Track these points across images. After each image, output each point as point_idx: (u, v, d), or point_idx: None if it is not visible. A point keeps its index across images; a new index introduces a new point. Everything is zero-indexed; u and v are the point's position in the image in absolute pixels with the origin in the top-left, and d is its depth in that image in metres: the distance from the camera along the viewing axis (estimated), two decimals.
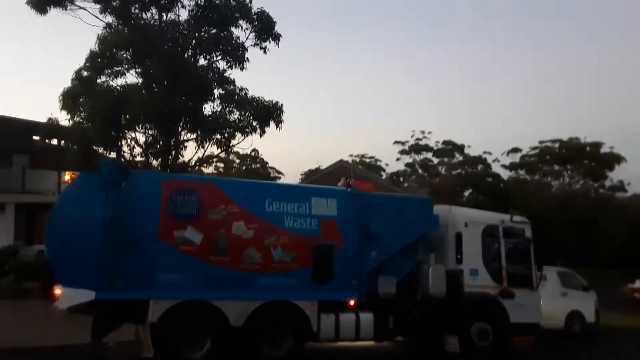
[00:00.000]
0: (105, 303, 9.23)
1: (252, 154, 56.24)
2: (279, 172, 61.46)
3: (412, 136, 59.69)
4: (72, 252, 9.09)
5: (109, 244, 9.17)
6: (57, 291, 9.08)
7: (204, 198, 9.94)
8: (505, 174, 57.22)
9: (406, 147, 59.79)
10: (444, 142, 59.23)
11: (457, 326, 11.27)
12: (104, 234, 9.15)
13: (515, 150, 56.33)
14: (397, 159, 60.42)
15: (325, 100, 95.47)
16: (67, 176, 10.51)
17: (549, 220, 39.09)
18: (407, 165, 60.39)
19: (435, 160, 60.58)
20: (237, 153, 54.44)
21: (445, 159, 60.16)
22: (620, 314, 20.50)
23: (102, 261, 9.12)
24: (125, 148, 18.55)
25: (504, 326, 11.58)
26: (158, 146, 18.66)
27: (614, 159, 51.70)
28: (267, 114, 18.32)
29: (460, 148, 58.98)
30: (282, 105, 18.46)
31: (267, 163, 61.44)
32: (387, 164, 62.14)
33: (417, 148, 59.86)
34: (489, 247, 11.97)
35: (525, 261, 12.28)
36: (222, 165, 56.95)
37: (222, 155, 25.99)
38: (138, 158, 18.74)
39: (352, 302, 10.62)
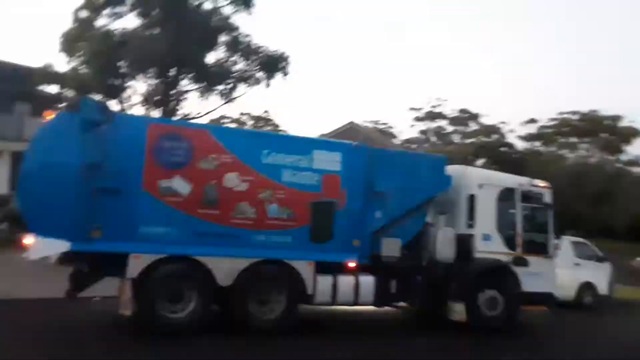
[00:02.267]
0: (82, 255, 8.47)
1: (265, 115, 55.60)
2: None
3: (427, 103, 58.44)
4: (44, 198, 8.23)
5: (87, 191, 8.35)
6: (28, 240, 8.29)
7: (195, 145, 9.05)
8: (520, 145, 55.97)
9: (421, 114, 58.62)
10: (460, 110, 57.99)
11: (465, 293, 10.44)
12: (82, 180, 8.31)
13: (532, 121, 54.83)
14: (412, 126, 59.53)
15: (340, 61, 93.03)
16: (46, 116, 9.61)
17: (563, 192, 38.18)
18: (421, 132, 59.32)
19: (450, 129, 59.42)
20: (249, 114, 54.08)
21: (460, 128, 58.95)
22: (633, 287, 19.85)
23: (78, 209, 8.30)
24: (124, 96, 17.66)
25: (515, 295, 10.75)
26: (159, 96, 17.75)
27: (632, 133, 50.47)
28: (272, 64, 17.32)
29: (475, 117, 57.65)
30: (288, 56, 17.45)
31: (278, 125, 60.71)
32: (401, 131, 61.37)
33: (432, 115, 58.57)
34: (505, 211, 11.06)
35: (543, 228, 11.40)
36: (234, 126, 56.33)
37: (228, 110, 25.20)
38: (137, 108, 17.89)
39: (351, 264, 9.81)
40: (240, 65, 17.74)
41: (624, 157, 51.00)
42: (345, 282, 9.72)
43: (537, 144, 55.30)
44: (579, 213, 37.83)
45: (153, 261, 8.62)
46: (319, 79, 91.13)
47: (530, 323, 11.79)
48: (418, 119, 58.74)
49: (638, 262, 26.18)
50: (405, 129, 60.62)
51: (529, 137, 55.55)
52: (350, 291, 9.74)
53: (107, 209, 8.45)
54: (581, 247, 16.29)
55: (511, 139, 55.79)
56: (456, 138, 58.70)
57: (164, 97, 17.60)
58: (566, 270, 14.16)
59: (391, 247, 10.12)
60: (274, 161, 9.49)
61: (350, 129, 28.65)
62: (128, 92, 17.53)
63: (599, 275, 15.83)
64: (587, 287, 15.49)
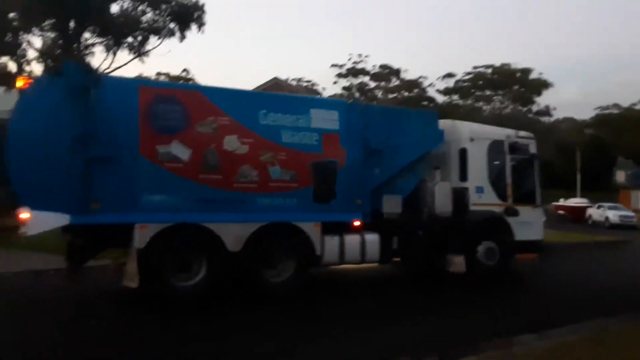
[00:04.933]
0: (83, 228, 7.97)
1: (184, 74, 54.71)
2: None
3: (349, 59, 59.54)
4: (37, 173, 7.68)
5: (81, 161, 7.82)
6: (24, 215, 7.70)
7: (189, 108, 8.62)
8: (440, 99, 59.05)
9: (343, 71, 59.67)
10: (381, 66, 59.51)
11: (464, 246, 10.56)
12: (74, 150, 7.77)
13: (450, 75, 58.67)
14: (335, 82, 61.17)
15: (261, 16, 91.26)
16: (20, 82, 8.84)
17: None
18: (344, 88, 60.09)
19: (372, 84, 60.86)
20: (167, 74, 52.71)
21: (382, 83, 60.58)
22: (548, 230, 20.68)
23: (73, 181, 7.78)
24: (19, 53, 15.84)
25: (509, 244, 10.99)
26: (59, 51, 16.15)
27: (542, 85, 53.70)
28: (185, 14, 16.29)
29: (396, 72, 59.65)
30: (203, 4, 16.50)
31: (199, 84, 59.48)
32: (324, 88, 62.14)
33: (354, 72, 59.63)
34: (495, 163, 11.19)
35: (530, 178, 11.61)
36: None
37: (144, 68, 23.66)
38: (34, 65, 16.06)
39: (357, 223, 9.71)
40: (149, 16, 16.49)
41: (535, 108, 54.24)
42: (352, 241, 9.63)
43: (455, 98, 57.91)
44: None
45: (160, 230, 8.23)
46: (239, 33, 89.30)
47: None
48: (340, 75, 59.74)
49: (550, 208, 27.51)
50: (329, 86, 60.25)
51: (447, 91, 58.40)
52: (357, 250, 9.66)
53: (105, 179, 7.99)
54: None
55: (431, 93, 58.70)
56: (379, 94, 60.26)
57: (65, 52, 15.90)
58: None
59: (392, 204, 10.09)
60: (272, 122, 9.19)
61: (275, 86, 27.89)
62: (24, 48, 15.66)
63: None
64: None
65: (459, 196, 10.64)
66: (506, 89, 55.07)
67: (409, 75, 58.93)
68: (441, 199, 10.44)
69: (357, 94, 58.62)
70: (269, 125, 9.14)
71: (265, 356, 6.13)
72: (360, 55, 59.46)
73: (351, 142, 9.71)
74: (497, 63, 55.45)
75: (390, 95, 58.16)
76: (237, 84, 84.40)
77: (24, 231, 7.75)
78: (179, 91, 8.89)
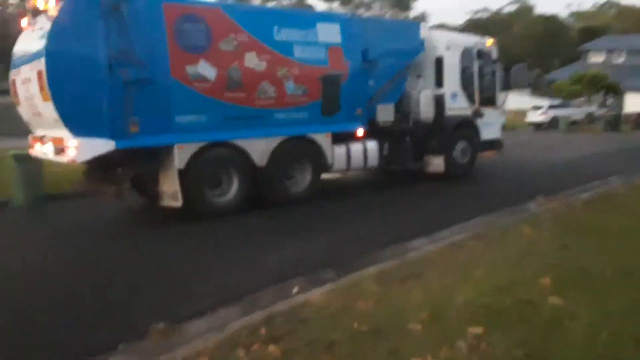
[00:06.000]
0: (126, 151, 8.12)
1: None
2: None
3: None
4: (80, 98, 7.63)
5: (119, 83, 7.82)
6: (72, 142, 7.71)
7: (212, 26, 8.70)
8: (320, 7, 58.91)
9: None
10: None
11: (445, 147, 11.78)
12: (112, 73, 7.74)
13: None
14: None
15: None
16: (45, 2, 8.31)
17: None
18: None
19: None
20: None
21: None
22: None
23: (114, 104, 7.82)
24: None
25: (477, 144, 12.42)
26: None
27: None
28: None
29: None
30: None
31: None
32: None
33: None
34: (466, 69, 12.23)
35: (492, 81, 12.86)
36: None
37: None
38: None
39: (360, 132, 10.53)
40: None
41: (412, 14, 56.32)
42: (356, 149, 10.49)
43: (335, 5, 57.85)
44: None
45: (197, 150, 8.58)
46: None
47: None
48: None
49: None
50: None
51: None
52: (361, 157, 10.55)
53: (141, 101, 8.06)
54: None
55: (311, 1, 58.03)
56: None
57: None
58: None
59: (386, 113, 10.94)
60: (285, 37, 9.47)
61: None
62: None
63: None
64: None
65: (438, 102, 11.67)
66: None
67: None
68: (425, 106, 11.46)
69: None
70: (283, 41, 9.43)
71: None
72: None
73: (352, 54, 10.26)
74: None
75: None
76: None
77: (73, 159, 7.78)
78: (201, 8, 8.83)
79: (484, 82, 12.55)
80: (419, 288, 4.81)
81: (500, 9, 73.33)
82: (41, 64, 7.56)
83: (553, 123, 32.01)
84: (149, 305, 5.20)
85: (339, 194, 11.13)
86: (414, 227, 7.77)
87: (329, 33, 10.01)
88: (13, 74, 9.04)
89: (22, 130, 10.03)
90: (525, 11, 74.38)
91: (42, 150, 8.83)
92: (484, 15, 73.94)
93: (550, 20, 69.59)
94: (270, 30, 9.32)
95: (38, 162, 9.99)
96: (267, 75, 9.23)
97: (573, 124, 30.82)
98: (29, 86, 8.27)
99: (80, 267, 6.60)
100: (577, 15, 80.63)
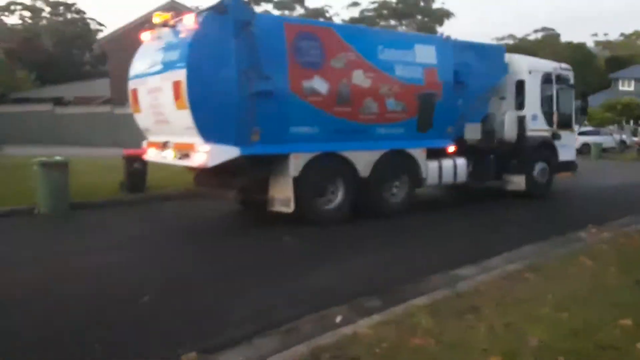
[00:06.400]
0: (248, 158, 8.58)
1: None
2: (101, 24, 57.27)
3: None
4: (213, 108, 8.12)
5: (247, 95, 8.31)
6: (204, 148, 8.18)
7: (325, 44, 9.19)
8: None
9: None
10: None
11: (526, 167, 12.16)
12: (242, 85, 8.24)
13: (355, 4, 58.89)
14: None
15: None
16: (159, 17, 8.89)
17: None
18: None
19: (277, 13, 60.09)
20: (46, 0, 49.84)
21: (286, 12, 60.33)
22: None
23: (242, 115, 8.31)
24: None
25: (556, 164, 12.78)
26: None
27: (444, 14, 55.74)
28: None
29: (301, 0, 59.61)
30: None
31: (84, 12, 57.16)
32: None
33: None
34: (546, 93, 12.63)
35: (569, 105, 13.23)
36: (28, 14, 52.48)
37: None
38: None
39: (451, 149, 10.92)
40: None
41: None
42: (448, 164, 10.87)
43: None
44: None
45: (310, 159, 9.01)
46: None
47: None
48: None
49: None
50: None
51: (352, 21, 59.20)
52: (451, 172, 10.93)
53: (263, 112, 8.52)
54: None
55: (337, 20, 59.36)
56: None
57: None
58: None
59: (473, 131, 11.35)
60: (387, 57, 9.92)
61: (171, 9, 27.26)
62: None
63: None
64: None
65: (520, 123, 12.06)
66: (410, 18, 56.37)
67: (313, 3, 58.73)
68: (509, 127, 11.85)
69: None
70: (385, 60, 9.89)
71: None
72: None
73: (446, 75, 10.67)
74: None
75: None
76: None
77: (204, 164, 8.24)
78: (316, 27, 9.35)
79: (561, 105, 12.91)
80: (481, 325, 4.28)
81: (527, 35, 73.82)
82: (179, 74, 8.07)
83: (584, 149, 32.11)
84: (177, 330, 4.66)
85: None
86: (460, 251, 7.51)
87: (426, 54, 10.46)
88: (135, 84, 9.58)
89: (35, 137, 10.43)
90: (551, 39, 74.86)
91: (161, 155, 9.33)
92: (510, 41, 74.50)
93: (579, 48, 69.96)
94: (375, 49, 9.79)
95: (65, 170, 10.19)
96: (372, 92, 9.67)
97: (604, 151, 30.89)
98: (157, 95, 8.79)
99: (104, 280, 6.17)
100: (604, 44, 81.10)
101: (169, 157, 9.15)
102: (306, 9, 57.73)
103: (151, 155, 9.91)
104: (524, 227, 9.53)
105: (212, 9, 8.32)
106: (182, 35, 8.38)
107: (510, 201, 12.19)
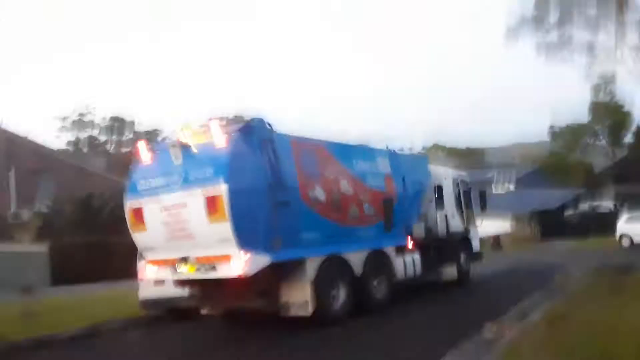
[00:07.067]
0: (275, 264, 9.05)
1: None
2: None
3: (74, 112, 56.97)
4: (250, 218, 8.67)
5: (271, 206, 8.99)
6: (243, 257, 8.52)
7: (319, 158, 10.33)
8: None
9: (67, 124, 57.19)
10: (112, 118, 58.61)
11: (454, 258, 14.02)
12: (268, 198, 8.94)
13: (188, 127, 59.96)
14: (58, 137, 56.85)
15: None
16: (187, 130, 9.30)
17: None
18: (69, 143, 57.73)
19: (103, 138, 60.18)
20: None
21: (114, 137, 60.05)
22: None
23: (269, 224, 8.94)
24: None
25: (472, 255, 14.89)
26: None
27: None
28: None
29: (130, 124, 59.09)
30: None
31: None
32: (46, 141, 55.29)
33: (80, 125, 57.89)
34: (457, 195, 14.92)
35: (471, 204, 15.67)
36: None
37: None
38: None
39: (410, 245, 12.35)
40: None
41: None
42: (409, 260, 12.25)
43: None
44: None
45: (320, 262, 9.76)
46: None
47: None
48: (65, 128, 57.24)
49: None
50: (52, 140, 56.77)
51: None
52: (412, 267, 12.30)
53: (283, 220, 9.22)
54: None
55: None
56: (111, 148, 59.28)
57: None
58: None
59: (419, 230, 12.97)
60: (362, 168, 11.34)
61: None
62: None
63: None
64: None
65: (446, 221, 14.04)
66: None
67: (146, 125, 57.66)
68: (441, 225, 13.74)
69: (85, 149, 56.73)
70: (361, 171, 11.27)
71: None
72: (87, 107, 57.21)
73: (397, 181, 12.32)
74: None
75: (125, 149, 53.38)
76: None
77: (245, 272, 8.54)
78: (311, 144, 10.40)
79: (467, 205, 15.28)
80: None
81: None
82: (217, 189, 8.51)
83: None
84: None
85: None
86: None
87: (384, 165, 12.07)
88: (139, 203, 9.56)
89: None
90: None
91: (178, 270, 9.29)
92: None
93: None
94: (354, 162, 11.15)
95: None
96: (354, 198, 10.89)
97: None
98: (180, 211, 8.98)
99: None
100: None
101: (184, 272, 9.20)
102: (137, 133, 56.04)
103: (151, 273, 9.77)
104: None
105: (241, 129, 9.05)
106: (212, 152, 8.86)
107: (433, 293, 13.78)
